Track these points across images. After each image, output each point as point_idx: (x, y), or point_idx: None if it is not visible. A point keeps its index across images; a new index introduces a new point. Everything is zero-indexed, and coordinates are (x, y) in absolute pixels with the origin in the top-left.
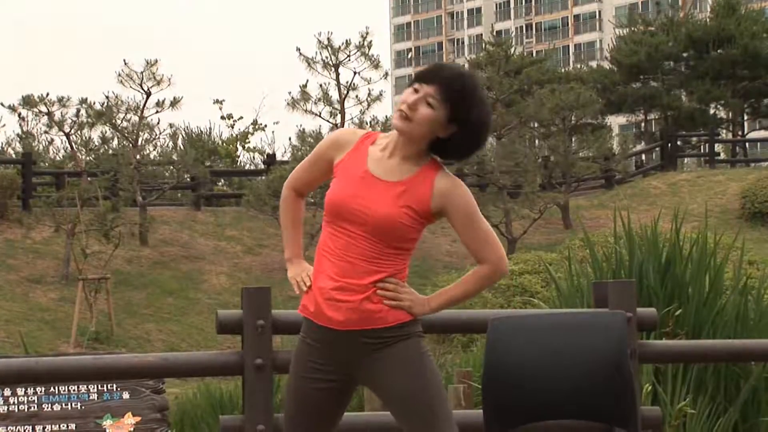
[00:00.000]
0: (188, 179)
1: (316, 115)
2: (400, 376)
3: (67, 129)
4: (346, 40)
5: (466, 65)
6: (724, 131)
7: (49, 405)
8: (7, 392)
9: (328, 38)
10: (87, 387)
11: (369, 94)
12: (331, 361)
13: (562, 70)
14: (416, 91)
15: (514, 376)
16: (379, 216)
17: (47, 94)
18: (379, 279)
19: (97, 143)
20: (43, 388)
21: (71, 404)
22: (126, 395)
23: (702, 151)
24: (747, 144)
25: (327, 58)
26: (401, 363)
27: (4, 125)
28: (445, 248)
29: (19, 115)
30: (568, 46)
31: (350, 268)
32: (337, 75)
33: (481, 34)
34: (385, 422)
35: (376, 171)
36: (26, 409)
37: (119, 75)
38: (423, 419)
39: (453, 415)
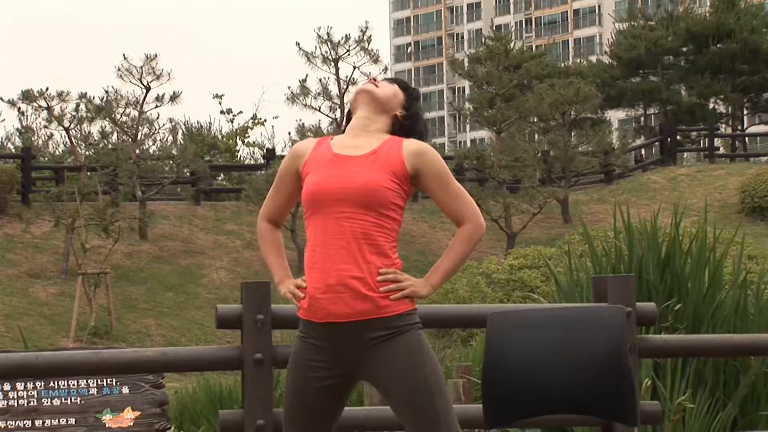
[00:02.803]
0: (188, 174)
1: (315, 109)
2: (400, 368)
3: (66, 124)
4: (346, 35)
5: (466, 60)
6: (724, 126)
7: (49, 399)
8: (7, 387)
9: (328, 33)
10: (86, 382)
11: None
12: (333, 358)
13: (562, 64)
14: (379, 82)
15: (513, 371)
16: (360, 184)
17: (47, 89)
18: (375, 261)
19: (96, 138)
20: (43, 383)
21: (71, 399)
22: (125, 390)
23: (701, 145)
24: (746, 138)
25: (326, 52)
26: (402, 355)
27: (3, 120)
28: (445, 242)
29: (19, 109)
30: (568, 40)
31: (344, 252)
32: (337, 69)
33: (481, 29)
34: (384, 416)
35: (344, 152)
36: (26, 404)
37: (119, 69)
38: (423, 411)
39: (453, 408)
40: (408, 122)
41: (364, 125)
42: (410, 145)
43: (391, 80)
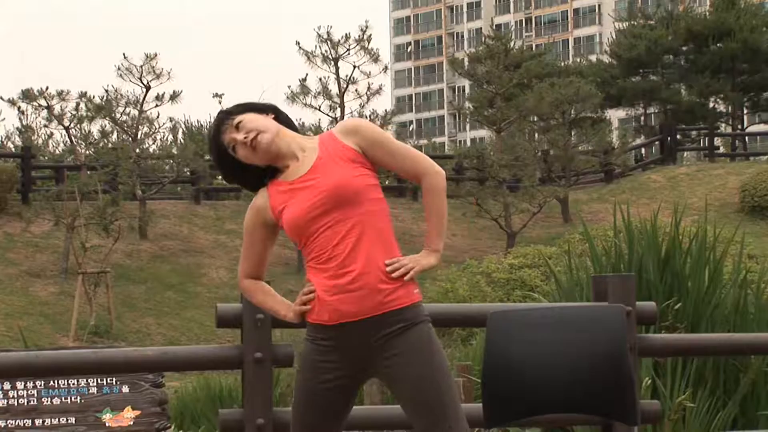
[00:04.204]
0: (188, 173)
1: (315, 108)
2: (409, 362)
3: (66, 123)
4: (346, 34)
5: (466, 59)
6: (724, 125)
7: (49, 399)
8: (7, 386)
9: (328, 32)
10: (86, 381)
11: (368, 88)
12: (344, 357)
13: (562, 63)
14: (233, 129)
15: (513, 370)
16: (330, 187)
17: (47, 88)
18: (377, 255)
19: (96, 137)
20: (43, 382)
21: (71, 398)
22: (125, 389)
23: (701, 144)
24: (746, 138)
25: (326, 51)
26: (412, 348)
27: (3, 119)
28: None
29: (19, 108)
30: (568, 39)
31: (349, 253)
32: (337, 69)
33: (481, 28)
34: (384, 416)
35: (297, 175)
36: (26, 403)
37: (119, 69)
38: (430, 405)
39: (461, 402)
40: (280, 116)
41: (291, 151)
42: (340, 128)
43: (231, 114)
